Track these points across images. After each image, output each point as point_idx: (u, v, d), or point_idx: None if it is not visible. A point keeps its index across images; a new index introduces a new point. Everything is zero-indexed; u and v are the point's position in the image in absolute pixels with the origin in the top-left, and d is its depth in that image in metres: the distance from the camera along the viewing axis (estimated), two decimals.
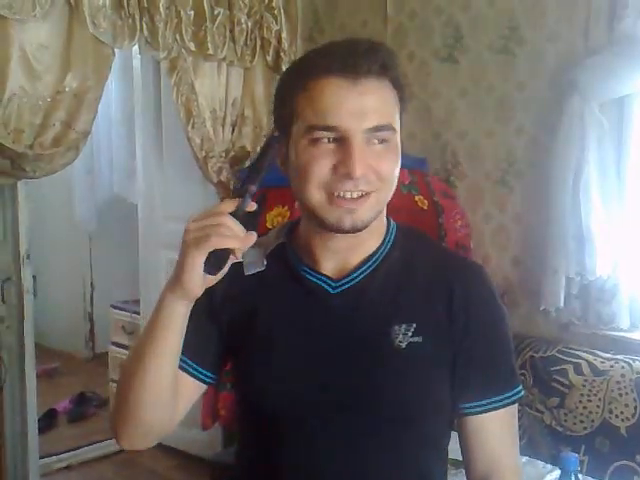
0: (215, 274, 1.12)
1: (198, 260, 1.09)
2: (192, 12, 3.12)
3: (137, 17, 2.91)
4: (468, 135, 3.21)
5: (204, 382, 1.33)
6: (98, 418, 4.50)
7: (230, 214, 1.10)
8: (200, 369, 1.32)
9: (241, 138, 3.46)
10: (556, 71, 2.90)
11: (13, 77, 2.60)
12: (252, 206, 1.12)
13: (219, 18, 3.23)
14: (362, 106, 1.17)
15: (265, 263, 1.27)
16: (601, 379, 2.56)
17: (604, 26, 2.75)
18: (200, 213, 1.12)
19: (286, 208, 2.79)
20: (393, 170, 1.23)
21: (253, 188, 1.13)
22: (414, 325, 1.26)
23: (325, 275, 1.29)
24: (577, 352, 2.68)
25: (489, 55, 3.12)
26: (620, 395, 2.50)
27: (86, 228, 5.47)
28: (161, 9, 2.98)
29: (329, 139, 1.18)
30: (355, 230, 1.22)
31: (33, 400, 3.17)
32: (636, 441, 2.44)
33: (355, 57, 1.17)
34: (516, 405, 1.32)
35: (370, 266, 1.30)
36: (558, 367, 2.66)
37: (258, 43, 3.45)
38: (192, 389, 1.32)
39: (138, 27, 2.92)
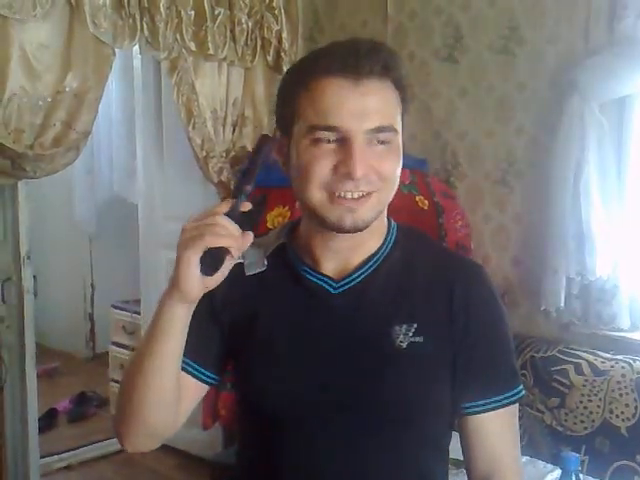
0: (212, 274, 1.11)
1: (193, 259, 1.09)
2: (193, 12, 3.12)
3: (138, 17, 2.91)
4: (468, 135, 3.21)
5: (206, 383, 1.33)
6: (98, 418, 4.50)
7: (226, 215, 1.10)
8: (202, 370, 1.32)
9: (242, 138, 3.46)
10: (556, 71, 2.90)
11: (13, 77, 2.60)
12: (246, 206, 1.13)
13: (220, 18, 3.23)
14: (364, 107, 1.17)
15: (266, 263, 1.27)
16: (601, 379, 2.56)
17: (604, 26, 2.75)
18: (196, 215, 1.12)
19: (287, 208, 2.79)
20: (394, 170, 1.23)
21: (248, 188, 1.13)
22: (415, 325, 1.26)
23: (326, 275, 1.29)
24: (577, 352, 2.68)
25: (489, 55, 3.12)
26: (620, 395, 2.50)
27: (86, 228, 5.47)
28: (162, 9, 2.97)
29: (330, 139, 1.18)
30: (356, 229, 1.22)
31: (33, 400, 3.17)
32: (636, 441, 2.44)
33: (357, 57, 1.17)
34: (517, 405, 1.32)
35: (371, 266, 1.30)
36: (558, 367, 2.66)
37: (259, 43, 3.45)
38: (194, 390, 1.33)
39: (139, 27, 2.92)
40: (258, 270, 1.25)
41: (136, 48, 3.10)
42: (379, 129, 1.19)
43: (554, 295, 2.81)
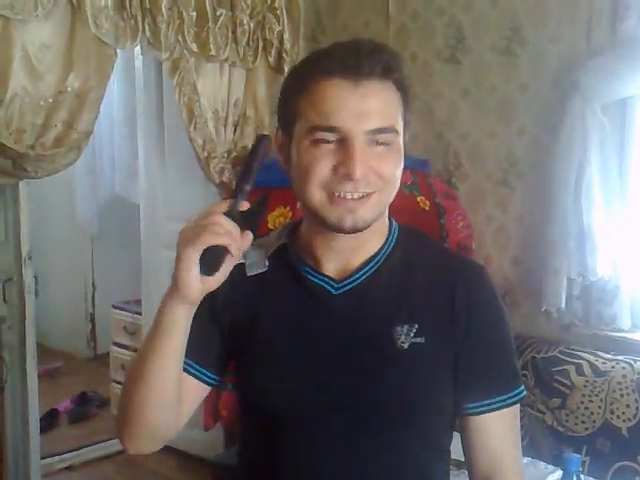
0: (212, 274, 1.11)
1: (192, 259, 1.08)
2: (194, 13, 3.12)
3: (139, 18, 2.91)
4: (470, 136, 3.21)
5: (207, 383, 1.33)
6: (99, 418, 4.50)
7: (225, 214, 1.10)
8: (203, 370, 1.32)
9: (243, 138, 3.46)
10: (558, 72, 2.90)
11: (15, 77, 2.60)
12: (245, 205, 1.12)
13: (221, 19, 3.23)
14: (364, 108, 1.17)
15: (267, 264, 1.27)
16: (602, 380, 2.56)
17: (606, 27, 2.75)
18: (195, 216, 1.12)
19: (288, 209, 2.79)
20: (394, 172, 1.23)
21: (246, 187, 1.14)
22: (416, 326, 1.26)
23: (327, 276, 1.29)
24: (578, 353, 2.68)
25: (491, 56, 3.12)
26: (621, 396, 2.50)
27: (88, 228, 5.46)
28: (163, 10, 2.97)
29: (330, 140, 1.18)
30: (356, 230, 1.22)
31: (34, 400, 3.17)
32: (637, 442, 2.44)
33: (357, 59, 1.17)
34: (518, 405, 1.32)
35: (372, 267, 1.30)
36: (559, 368, 2.66)
37: (260, 44, 3.45)
38: (195, 391, 1.32)
39: (140, 28, 2.92)
40: (259, 271, 1.25)
41: (138, 49, 3.10)
42: (379, 130, 1.19)
43: (555, 296, 2.81)
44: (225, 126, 3.39)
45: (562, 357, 2.69)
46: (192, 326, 1.18)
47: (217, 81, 3.34)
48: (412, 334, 1.25)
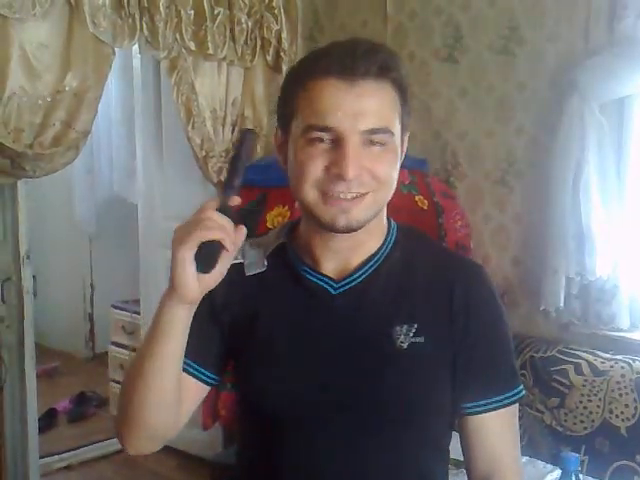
0: (208, 271, 1.10)
1: (187, 256, 1.08)
2: (192, 12, 3.12)
3: (137, 16, 2.91)
4: (468, 135, 3.21)
5: (206, 383, 1.33)
6: (98, 418, 4.50)
7: (217, 210, 1.10)
8: (202, 370, 1.32)
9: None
10: (556, 71, 2.90)
11: (13, 76, 2.59)
12: (236, 200, 1.12)
13: (219, 18, 3.23)
14: (359, 108, 1.17)
15: (266, 264, 1.27)
16: (601, 379, 2.56)
17: (604, 27, 2.75)
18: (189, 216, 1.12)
19: (286, 208, 2.79)
20: (389, 172, 1.23)
21: (236, 182, 1.13)
22: (415, 325, 1.26)
23: (326, 275, 1.29)
24: (577, 352, 2.68)
25: (489, 55, 3.12)
26: (620, 395, 2.50)
27: (86, 228, 5.46)
28: (161, 8, 2.97)
29: (325, 139, 1.18)
30: (350, 230, 1.22)
31: (33, 400, 3.17)
32: (636, 441, 2.44)
33: (353, 59, 1.17)
34: (517, 405, 1.32)
35: (371, 266, 1.30)
36: (558, 367, 2.67)
37: (258, 43, 3.45)
38: (195, 391, 1.32)
39: (138, 26, 2.92)
40: (258, 270, 1.25)
41: (136, 47, 3.10)
42: (374, 131, 1.18)
43: (554, 295, 2.81)
44: (223, 125, 3.39)
45: (561, 356, 2.69)
46: (192, 326, 1.18)
47: (215, 80, 3.34)
48: (411, 334, 1.25)
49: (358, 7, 3.58)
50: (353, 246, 1.28)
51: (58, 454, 3.83)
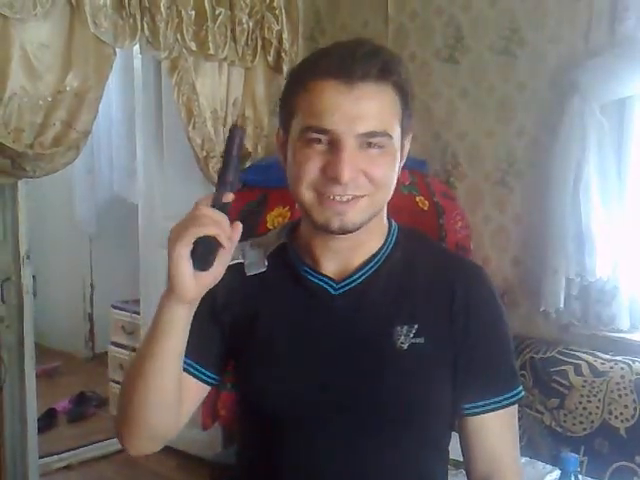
0: (206, 269, 1.10)
1: (181, 253, 1.07)
2: (193, 12, 3.12)
3: (138, 17, 2.90)
4: (468, 136, 3.21)
5: (207, 383, 1.33)
6: (98, 418, 4.50)
7: (211, 207, 1.10)
8: (203, 370, 1.32)
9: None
10: (557, 72, 2.90)
11: (14, 76, 2.59)
12: (229, 197, 1.11)
13: (220, 18, 3.23)
14: (358, 111, 1.17)
15: (266, 263, 1.27)
16: (601, 380, 2.56)
17: (605, 28, 2.76)
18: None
19: (287, 208, 2.79)
20: (387, 175, 1.22)
21: (228, 178, 1.12)
22: (416, 326, 1.26)
23: (326, 276, 1.29)
24: (577, 353, 2.68)
25: (490, 56, 3.12)
26: (620, 396, 2.50)
27: (86, 228, 5.46)
28: (162, 9, 2.97)
29: (322, 140, 1.18)
30: (345, 232, 1.22)
31: (33, 400, 3.17)
32: (635, 442, 2.44)
33: (353, 60, 1.17)
34: (516, 406, 1.32)
35: (372, 267, 1.30)
36: (558, 368, 2.67)
37: (259, 43, 3.44)
38: (195, 391, 1.32)
39: (139, 27, 2.92)
40: (258, 270, 1.25)
41: (136, 48, 3.10)
42: (371, 134, 1.18)
43: (554, 296, 2.81)
44: (224, 125, 3.39)
45: (560, 357, 2.69)
46: (192, 325, 1.18)
47: (216, 80, 3.34)
48: (412, 334, 1.25)
49: (359, 7, 3.58)
50: (353, 247, 1.28)
51: (58, 454, 3.83)
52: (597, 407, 2.54)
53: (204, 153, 3.33)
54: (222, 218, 1.09)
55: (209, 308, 1.27)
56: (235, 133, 1.14)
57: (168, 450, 3.55)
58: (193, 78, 3.22)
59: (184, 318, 1.15)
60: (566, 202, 2.76)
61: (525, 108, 3.03)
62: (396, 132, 1.22)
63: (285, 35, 3.53)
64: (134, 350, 4.10)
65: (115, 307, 4.67)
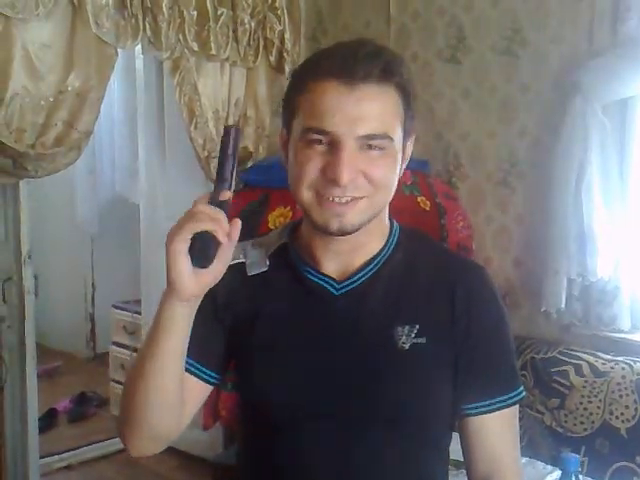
0: (206, 266, 1.10)
1: (179, 249, 1.08)
2: (195, 12, 3.12)
3: (140, 17, 2.91)
4: (470, 136, 3.21)
5: (208, 382, 1.33)
6: (99, 418, 4.50)
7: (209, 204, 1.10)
8: (205, 370, 1.32)
9: (243, 139, 3.46)
10: (559, 73, 2.90)
11: (16, 77, 2.59)
12: (226, 194, 1.11)
13: (222, 18, 3.23)
14: (358, 113, 1.16)
15: (267, 263, 1.27)
16: (602, 380, 2.56)
17: (608, 28, 2.76)
18: None
19: (288, 208, 2.79)
20: (387, 176, 1.22)
21: (226, 176, 1.12)
22: (417, 326, 1.26)
23: (328, 276, 1.29)
24: (578, 353, 2.68)
25: (492, 56, 3.12)
26: (620, 396, 2.50)
27: (88, 228, 5.46)
28: (164, 9, 2.97)
29: (322, 141, 1.18)
30: (344, 233, 1.22)
31: (34, 400, 3.17)
32: (636, 442, 2.44)
33: (355, 61, 1.16)
34: (517, 406, 1.32)
35: (373, 268, 1.29)
36: (559, 368, 2.66)
37: (261, 43, 3.44)
38: (198, 391, 1.32)
39: (141, 27, 2.92)
40: (260, 270, 1.25)
41: (138, 48, 3.10)
42: (372, 136, 1.18)
43: (555, 296, 2.81)
44: None
45: (561, 358, 2.69)
46: (194, 325, 1.18)
47: (218, 81, 3.34)
48: (413, 335, 1.25)
49: (361, 8, 3.58)
50: (354, 247, 1.28)
51: (58, 454, 3.83)
52: (598, 407, 2.53)
53: (206, 153, 3.33)
54: (219, 214, 1.08)
55: (210, 307, 1.27)
56: (229, 131, 1.14)
57: (169, 450, 3.53)
58: (195, 78, 3.22)
59: (184, 317, 1.15)
60: (568, 202, 2.76)
61: (527, 108, 3.03)
62: (397, 134, 1.22)
63: (287, 35, 3.53)
64: (135, 350, 4.10)
65: (116, 307, 4.67)
